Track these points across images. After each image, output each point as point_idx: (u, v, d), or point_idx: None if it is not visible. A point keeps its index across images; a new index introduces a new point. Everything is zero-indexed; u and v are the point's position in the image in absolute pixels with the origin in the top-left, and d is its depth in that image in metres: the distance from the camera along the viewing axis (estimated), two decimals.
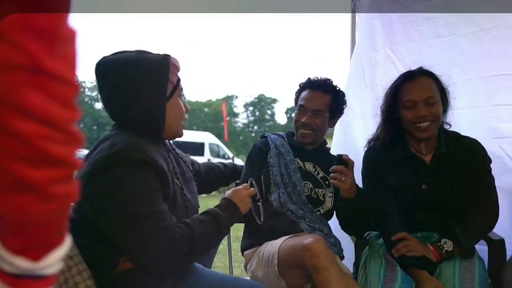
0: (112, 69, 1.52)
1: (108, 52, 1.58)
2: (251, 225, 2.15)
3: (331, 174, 2.02)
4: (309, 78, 2.34)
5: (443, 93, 2.07)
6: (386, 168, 2.11)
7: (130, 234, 1.40)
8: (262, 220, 1.82)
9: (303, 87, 2.33)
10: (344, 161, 2.02)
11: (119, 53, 1.56)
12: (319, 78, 2.32)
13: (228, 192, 1.78)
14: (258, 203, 1.83)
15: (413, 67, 2.13)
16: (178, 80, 1.62)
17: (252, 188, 1.82)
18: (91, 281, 1.32)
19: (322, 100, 2.25)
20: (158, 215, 1.42)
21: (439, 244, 1.92)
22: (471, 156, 2.05)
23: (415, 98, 2.01)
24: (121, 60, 1.52)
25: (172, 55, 1.59)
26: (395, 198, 2.05)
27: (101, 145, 1.48)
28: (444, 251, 1.90)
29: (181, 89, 1.64)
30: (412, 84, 2.05)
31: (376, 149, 2.19)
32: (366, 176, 2.18)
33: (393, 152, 2.12)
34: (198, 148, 16.96)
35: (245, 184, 1.85)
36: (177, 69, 1.61)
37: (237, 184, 1.90)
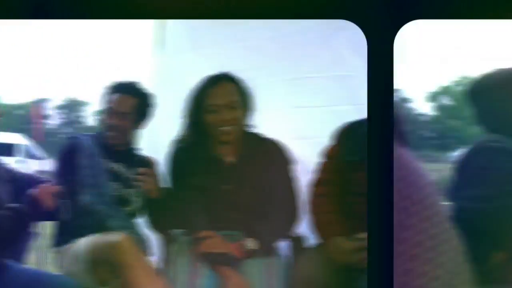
0: None
1: None
2: (62, 222, 2.16)
3: (135, 176, 2.10)
4: (116, 81, 2.32)
5: (246, 96, 2.14)
6: (189, 169, 2.13)
7: None
8: (66, 216, 1.97)
9: (110, 90, 2.29)
10: (147, 162, 2.13)
11: None
12: (126, 81, 2.32)
13: (32, 190, 1.86)
14: (62, 200, 1.95)
15: (217, 71, 2.16)
16: None
17: (55, 186, 1.93)
18: None
19: (129, 103, 2.24)
20: None
21: (241, 242, 1.98)
22: (272, 157, 2.15)
23: (217, 102, 2.06)
24: None
25: None
26: (199, 198, 2.08)
27: None
28: (246, 249, 1.97)
29: None
30: (214, 89, 2.09)
31: (180, 151, 2.21)
32: (170, 177, 2.20)
33: (196, 153, 2.16)
34: (6, 149, 16.52)
35: (49, 182, 1.98)
36: None
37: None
